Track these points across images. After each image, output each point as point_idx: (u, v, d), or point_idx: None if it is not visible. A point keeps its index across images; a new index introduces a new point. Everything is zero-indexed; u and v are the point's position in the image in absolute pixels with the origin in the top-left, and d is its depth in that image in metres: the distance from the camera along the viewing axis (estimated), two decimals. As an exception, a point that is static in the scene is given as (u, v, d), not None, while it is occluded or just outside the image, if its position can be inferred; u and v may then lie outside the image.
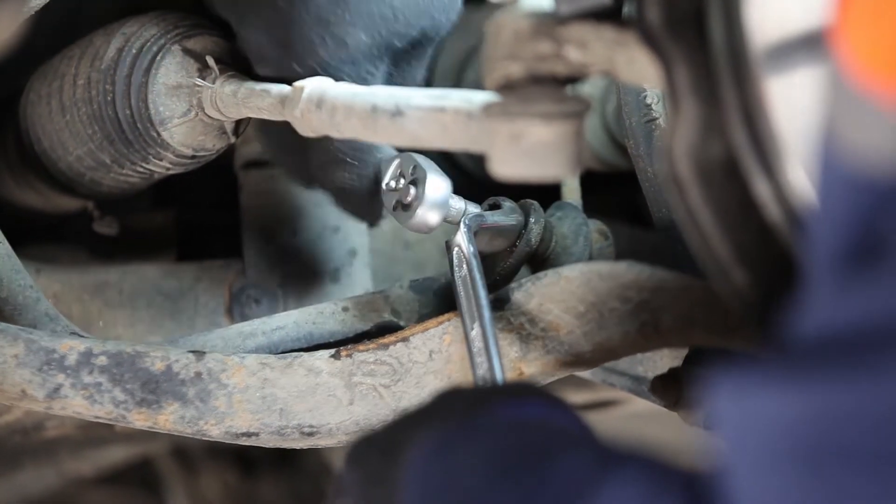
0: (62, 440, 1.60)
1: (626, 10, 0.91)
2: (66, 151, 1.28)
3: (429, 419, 0.91)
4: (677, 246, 1.18)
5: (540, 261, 1.21)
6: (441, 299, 1.22)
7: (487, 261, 1.19)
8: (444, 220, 1.16)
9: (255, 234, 1.48)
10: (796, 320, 0.69)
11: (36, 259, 1.47)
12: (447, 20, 1.21)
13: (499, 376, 1.09)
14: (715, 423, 0.68)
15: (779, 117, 0.80)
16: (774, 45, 0.79)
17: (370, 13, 1.16)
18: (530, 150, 0.93)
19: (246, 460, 2.19)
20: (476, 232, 1.16)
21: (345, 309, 1.21)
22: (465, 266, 1.14)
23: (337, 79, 1.12)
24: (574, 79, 0.95)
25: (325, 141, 1.18)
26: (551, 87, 0.94)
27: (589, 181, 1.34)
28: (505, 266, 1.20)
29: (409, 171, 1.16)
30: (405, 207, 1.16)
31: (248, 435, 1.13)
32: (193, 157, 1.23)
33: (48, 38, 1.31)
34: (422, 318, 1.20)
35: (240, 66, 1.21)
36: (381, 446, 0.92)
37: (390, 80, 1.21)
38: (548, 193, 1.27)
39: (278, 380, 1.13)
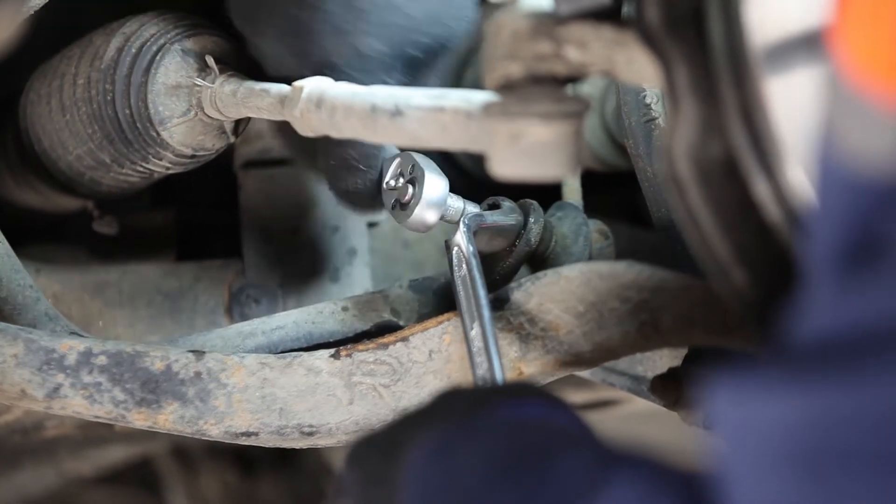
0: (62, 440, 1.60)
1: (626, 9, 0.91)
2: (65, 151, 1.28)
3: (429, 419, 0.91)
4: (677, 246, 1.18)
5: (540, 260, 1.21)
6: (440, 299, 1.22)
7: (487, 260, 1.19)
8: (443, 219, 1.16)
9: (255, 233, 1.48)
10: (795, 322, 0.69)
11: (35, 259, 1.47)
12: (461, 28, 1.21)
13: (498, 376, 1.09)
14: (714, 425, 0.68)
15: (778, 117, 0.80)
16: (774, 45, 0.79)
17: (385, 22, 1.16)
18: (530, 149, 0.93)
19: (245, 460, 2.19)
20: (475, 232, 1.16)
21: (344, 308, 1.21)
22: (464, 266, 1.14)
23: None
24: (573, 79, 0.95)
25: (338, 147, 1.18)
26: (551, 86, 0.94)
27: (588, 181, 1.34)
28: (504, 266, 1.20)
29: (408, 170, 1.16)
30: (403, 206, 1.16)
31: (248, 434, 1.13)
32: (193, 156, 1.23)
33: (48, 38, 1.31)
34: (421, 318, 1.20)
35: (239, 65, 1.21)
36: (381, 446, 0.92)
37: None
38: (548, 193, 1.27)
39: (278, 379, 1.13)
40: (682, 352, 1.21)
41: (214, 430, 1.12)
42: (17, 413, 1.45)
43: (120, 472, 2.10)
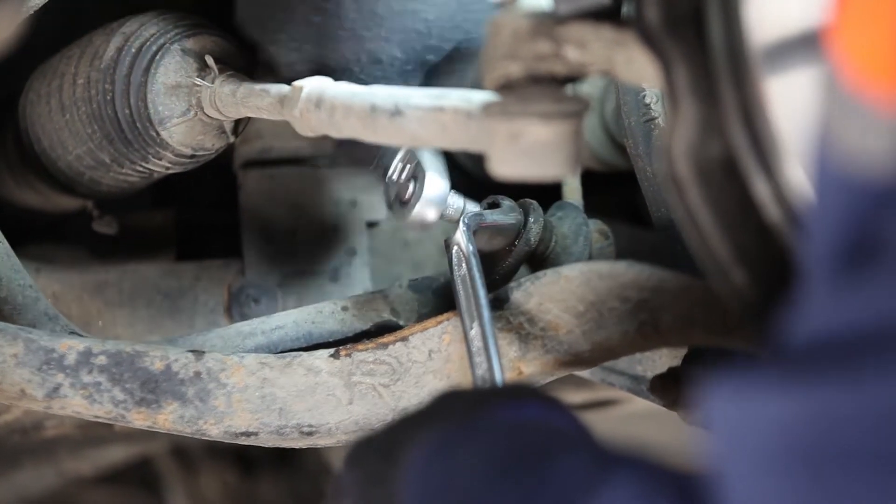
0: (61, 440, 1.60)
1: (625, 9, 0.91)
2: (65, 151, 1.28)
3: (428, 420, 0.91)
4: (676, 245, 1.18)
5: (539, 260, 1.21)
6: (440, 298, 1.22)
7: (486, 260, 1.19)
8: (443, 217, 1.16)
9: (255, 233, 1.48)
10: (793, 322, 0.69)
11: (35, 258, 1.47)
12: (479, 32, 1.21)
13: (498, 376, 1.09)
14: (711, 424, 0.68)
15: (778, 117, 0.80)
16: (773, 45, 0.79)
17: (404, 29, 1.16)
18: (529, 149, 0.93)
19: (245, 460, 2.19)
20: (475, 231, 1.16)
21: (344, 308, 1.21)
22: (464, 265, 1.14)
23: None
24: (573, 78, 0.95)
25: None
26: (550, 86, 0.94)
27: (588, 181, 1.34)
28: (504, 265, 1.20)
29: (410, 166, 1.16)
30: (403, 203, 1.16)
31: (248, 434, 1.13)
32: (193, 156, 1.23)
33: (48, 38, 1.31)
34: (421, 318, 1.20)
35: (239, 65, 1.21)
36: (380, 447, 0.92)
37: None
38: (548, 193, 1.27)
39: (277, 379, 1.13)
40: (682, 352, 1.21)
41: (214, 430, 1.12)
42: (16, 413, 1.45)
43: (120, 472, 2.10)
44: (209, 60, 1.18)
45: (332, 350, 1.14)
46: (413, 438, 0.88)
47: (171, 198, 1.61)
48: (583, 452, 0.79)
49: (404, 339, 1.15)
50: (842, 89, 0.66)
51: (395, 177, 1.17)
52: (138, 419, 1.12)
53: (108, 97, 1.21)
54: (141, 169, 1.25)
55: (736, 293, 0.86)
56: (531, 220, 1.19)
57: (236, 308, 1.47)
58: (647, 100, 1.20)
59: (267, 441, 1.14)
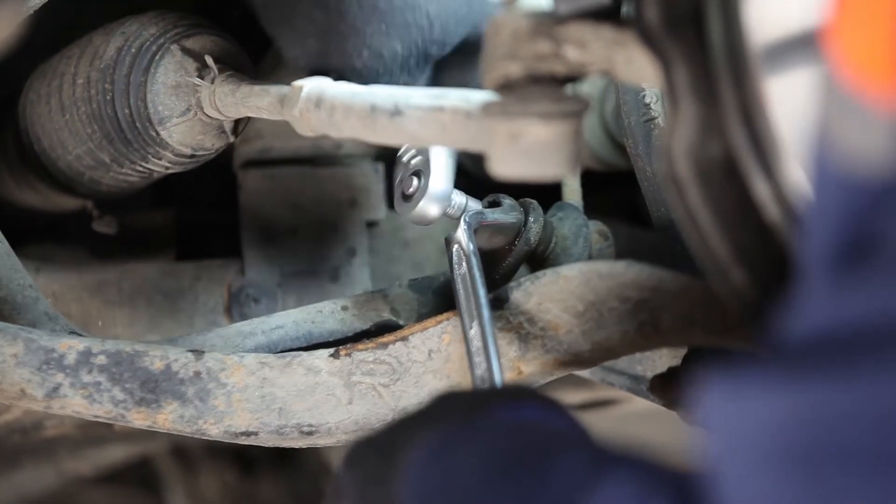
0: (61, 439, 1.60)
1: (625, 9, 0.91)
2: (65, 150, 1.28)
3: (428, 421, 0.91)
4: (676, 245, 1.18)
5: (539, 261, 1.21)
6: (440, 298, 1.22)
7: (486, 259, 1.19)
8: (444, 214, 1.16)
9: (254, 233, 1.48)
10: (791, 320, 0.69)
11: (35, 258, 1.48)
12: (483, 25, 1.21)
13: (497, 376, 1.09)
14: (708, 423, 0.68)
15: (777, 117, 0.80)
16: (773, 45, 0.79)
17: (405, 23, 1.16)
18: (529, 149, 0.93)
19: (245, 459, 2.19)
20: (476, 229, 1.16)
21: (344, 308, 1.21)
22: (464, 264, 1.14)
23: None
24: (573, 78, 0.95)
25: None
26: (550, 86, 0.94)
27: (588, 181, 1.34)
28: (504, 265, 1.20)
29: (417, 161, 1.16)
30: (406, 198, 1.16)
31: (248, 434, 1.13)
32: (192, 156, 1.23)
33: (47, 38, 1.31)
34: (421, 317, 1.20)
35: (239, 65, 1.21)
36: (379, 447, 0.92)
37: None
38: (548, 193, 1.27)
39: (277, 379, 1.13)
40: (682, 351, 1.21)
41: (214, 430, 1.12)
42: (16, 412, 1.45)
43: (119, 472, 2.10)
44: (209, 60, 1.18)
45: (331, 350, 1.14)
46: (412, 439, 0.88)
47: (170, 198, 1.61)
48: (581, 452, 0.79)
49: (404, 338, 1.15)
50: (840, 89, 0.66)
51: (401, 171, 1.17)
52: (138, 419, 1.12)
53: (108, 97, 1.21)
54: (141, 169, 1.25)
55: (736, 293, 0.86)
56: (531, 219, 1.19)
57: (236, 308, 1.47)
58: (647, 99, 1.20)
59: (267, 441, 1.14)
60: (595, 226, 1.25)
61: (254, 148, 1.48)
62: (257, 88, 1.15)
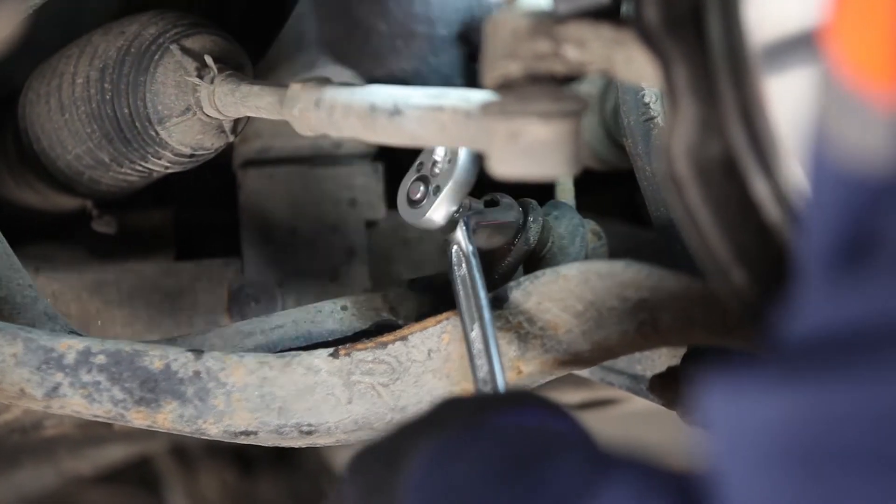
0: (61, 439, 1.60)
1: (625, 8, 0.91)
2: (64, 150, 1.28)
3: (429, 428, 0.91)
4: (676, 245, 1.18)
5: (536, 260, 1.21)
6: (440, 298, 1.22)
7: (485, 258, 1.18)
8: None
9: (254, 232, 1.48)
10: (791, 320, 0.69)
11: (34, 258, 1.47)
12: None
13: (499, 378, 1.09)
14: (708, 424, 0.68)
15: (777, 116, 0.80)
16: (772, 44, 0.79)
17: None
18: (528, 148, 0.93)
19: (245, 459, 2.19)
20: (475, 229, 1.15)
21: (343, 308, 1.21)
22: (464, 264, 1.14)
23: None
24: (572, 78, 0.95)
25: None
26: (549, 85, 0.94)
27: (587, 180, 1.34)
28: (503, 265, 1.19)
29: (430, 164, 1.14)
30: (412, 203, 1.15)
31: (247, 433, 1.13)
32: (192, 155, 1.23)
33: (47, 37, 1.31)
34: (420, 317, 1.20)
35: (238, 64, 1.21)
36: (382, 454, 0.92)
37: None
38: (541, 192, 1.27)
39: (277, 378, 1.13)
40: (681, 351, 1.21)
41: (213, 429, 1.12)
42: (16, 412, 1.45)
43: (119, 472, 2.10)
44: (208, 60, 1.18)
45: (331, 349, 1.14)
46: (415, 446, 0.88)
47: (170, 197, 1.61)
48: (582, 455, 0.79)
49: (404, 338, 1.15)
50: (840, 88, 0.66)
51: (416, 171, 1.15)
52: (137, 418, 1.12)
53: (108, 96, 1.21)
54: (140, 168, 1.25)
55: (735, 293, 0.86)
56: (530, 219, 1.19)
57: (236, 307, 1.47)
58: (647, 99, 1.20)
59: (266, 440, 1.14)
60: (588, 225, 1.25)
61: (253, 147, 1.48)
62: (257, 88, 1.15)
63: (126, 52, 1.20)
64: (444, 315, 1.15)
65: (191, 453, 2.17)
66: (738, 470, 0.66)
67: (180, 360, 1.12)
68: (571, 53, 0.92)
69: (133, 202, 1.54)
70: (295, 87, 1.10)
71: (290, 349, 1.18)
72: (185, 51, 1.19)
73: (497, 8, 1.08)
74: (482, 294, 1.11)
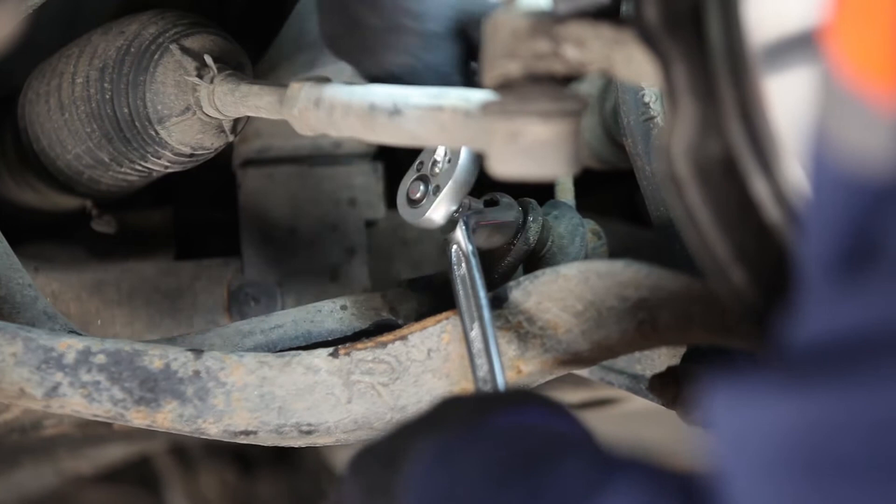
0: (60, 439, 1.60)
1: (624, 8, 0.91)
2: (64, 150, 1.28)
3: (430, 427, 0.91)
4: (675, 244, 1.18)
5: (535, 260, 1.21)
6: (439, 297, 1.22)
7: (485, 258, 1.18)
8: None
9: (254, 232, 1.48)
10: (792, 327, 0.69)
11: (34, 257, 1.48)
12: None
13: (500, 378, 1.09)
14: (711, 430, 0.68)
15: (777, 116, 0.80)
16: (772, 44, 0.79)
17: None
18: (528, 148, 0.93)
19: (244, 459, 2.19)
20: (474, 229, 1.15)
21: (343, 307, 1.21)
22: (463, 264, 1.14)
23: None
24: (572, 77, 0.95)
25: None
26: (549, 85, 0.94)
27: (587, 180, 1.34)
28: (503, 265, 1.19)
29: (436, 165, 1.14)
30: (412, 203, 1.15)
31: (247, 433, 1.13)
32: (192, 155, 1.23)
33: (47, 37, 1.31)
34: (420, 317, 1.20)
35: (238, 64, 1.21)
36: (382, 455, 0.92)
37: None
38: (541, 192, 1.27)
39: (277, 378, 1.13)
40: (681, 350, 1.21)
41: (213, 429, 1.12)
42: (15, 412, 1.45)
43: (119, 471, 2.10)
44: (208, 59, 1.18)
45: (331, 349, 1.14)
46: (414, 445, 0.88)
47: (170, 197, 1.61)
48: (585, 456, 0.78)
49: (403, 338, 1.15)
50: (840, 88, 0.66)
51: (416, 171, 1.15)
52: (137, 418, 1.12)
53: (107, 96, 1.21)
54: (140, 168, 1.25)
55: (735, 292, 0.86)
56: (530, 219, 1.19)
57: (235, 307, 1.47)
58: (646, 99, 1.20)
59: (266, 440, 1.14)
60: (588, 225, 1.25)
61: (253, 147, 1.48)
62: (256, 88, 1.15)
63: (126, 52, 1.20)
64: (444, 315, 1.15)
65: (190, 453, 2.18)
66: (741, 475, 0.66)
67: (180, 359, 1.12)
68: (571, 53, 0.92)
69: (133, 202, 1.54)
70: (295, 87, 1.10)
71: (290, 349, 1.18)
72: (185, 50, 1.19)
73: (493, 6, 1.08)
74: (482, 294, 1.11)
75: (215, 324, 1.47)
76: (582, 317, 1.12)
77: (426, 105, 1.01)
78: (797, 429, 0.64)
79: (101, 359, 1.11)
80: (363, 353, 1.14)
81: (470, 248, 1.14)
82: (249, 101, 1.15)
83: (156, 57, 1.19)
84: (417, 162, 1.16)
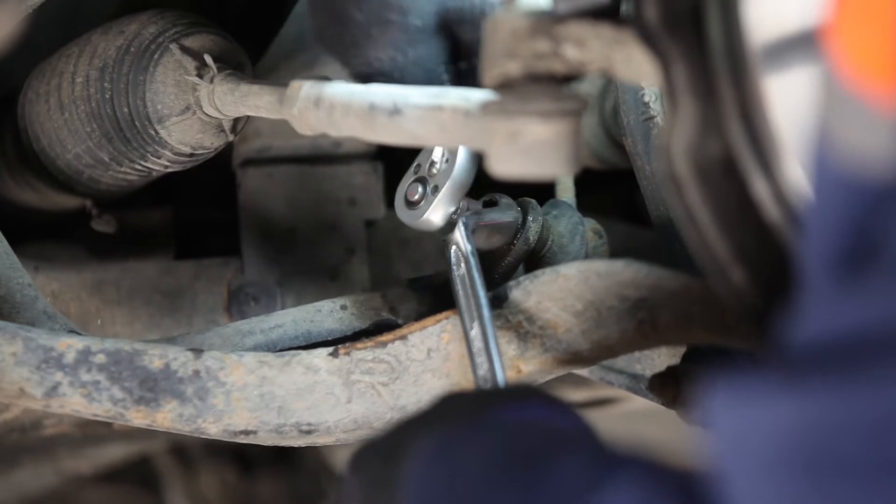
0: (60, 438, 1.60)
1: (624, 8, 0.91)
2: (64, 149, 1.28)
3: (430, 423, 0.91)
4: (675, 244, 1.18)
5: (536, 259, 1.21)
6: (439, 297, 1.22)
7: (484, 258, 1.18)
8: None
9: (254, 232, 1.48)
10: (792, 326, 0.69)
11: (34, 257, 1.48)
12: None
13: (500, 376, 1.09)
14: (711, 429, 0.68)
15: (777, 116, 0.80)
16: (772, 44, 0.79)
17: None
18: (528, 148, 0.93)
19: (244, 458, 2.19)
20: (473, 230, 1.15)
21: (343, 307, 1.21)
22: (463, 265, 1.14)
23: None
24: (572, 77, 0.95)
25: None
26: (549, 85, 0.94)
27: (587, 179, 1.34)
28: (503, 265, 1.19)
29: (434, 166, 1.14)
30: (410, 204, 1.15)
31: (247, 433, 1.13)
32: (192, 155, 1.23)
33: (47, 37, 1.31)
34: (420, 316, 1.20)
35: (237, 64, 1.21)
36: (382, 451, 0.92)
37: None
38: (541, 192, 1.27)
39: (276, 378, 1.13)
40: (681, 350, 1.21)
41: (213, 429, 1.12)
42: (15, 411, 1.45)
43: (119, 471, 2.10)
44: (208, 59, 1.18)
45: (330, 349, 1.14)
46: (415, 442, 0.88)
47: (170, 196, 1.61)
48: (585, 452, 0.78)
49: (403, 337, 1.15)
50: (840, 88, 0.66)
51: (414, 172, 1.15)
52: (137, 418, 1.12)
53: (107, 95, 1.21)
54: (140, 167, 1.25)
55: (735, 292, 0.86)
56: (530, 219, 1.19)
57: (235, 307, 1.47)
58: (646, 98, 1.20)
59: (266, 439, 1.14)
60: (589, 224, 1.25)
61: (253, 147, 1.48)
62: (256, 87, 1.15)
63: (126, 52, 1.20)
64: (444, 314, 1.15)
65: (190, 453, 2.18)
66: (741, 475, 0.66)
67: (180, 359, 1.12)
68: (571, 53, 0.92)
69: (133, 201, 1.54)
70: (294, 87, 1.10)
71: (290, 348, 1.18)
72: (185, 50, 1.19)
73: (477, 3, 1.08)
74: (481, 293, 1.11)
75: (215, 323, 1.47)
76: (582, 316, 1.12)
77: (426, 105, 1.01)
78: (797, 429, 0.64)
79: (100, 358, 1.11)
80: (363, 353, 1.14)
81: (469, 248, 1.14)
82: (249, 101, 1.15)
83: (156, 56, 1.19)
84: (415, 164, 1.16)
